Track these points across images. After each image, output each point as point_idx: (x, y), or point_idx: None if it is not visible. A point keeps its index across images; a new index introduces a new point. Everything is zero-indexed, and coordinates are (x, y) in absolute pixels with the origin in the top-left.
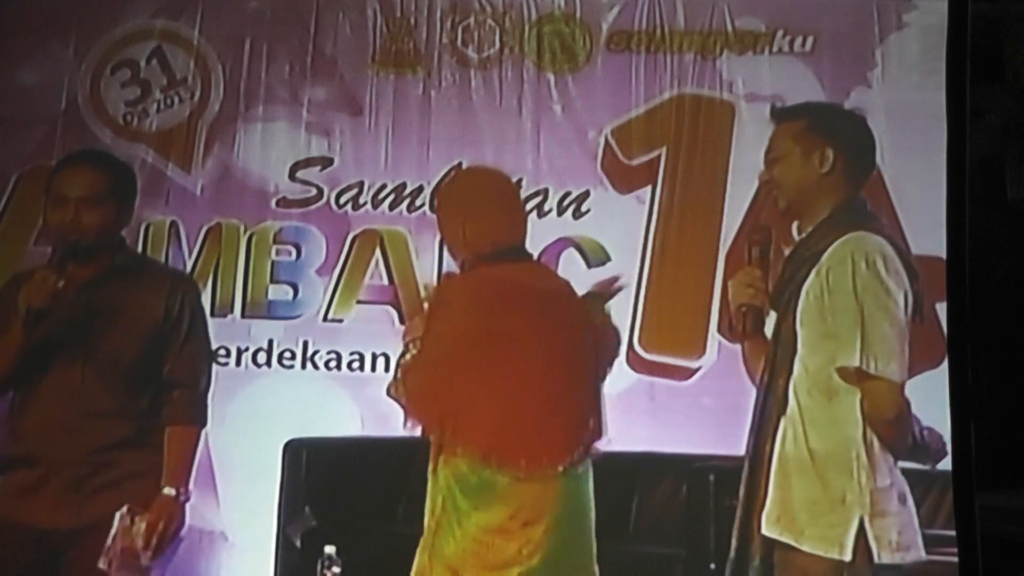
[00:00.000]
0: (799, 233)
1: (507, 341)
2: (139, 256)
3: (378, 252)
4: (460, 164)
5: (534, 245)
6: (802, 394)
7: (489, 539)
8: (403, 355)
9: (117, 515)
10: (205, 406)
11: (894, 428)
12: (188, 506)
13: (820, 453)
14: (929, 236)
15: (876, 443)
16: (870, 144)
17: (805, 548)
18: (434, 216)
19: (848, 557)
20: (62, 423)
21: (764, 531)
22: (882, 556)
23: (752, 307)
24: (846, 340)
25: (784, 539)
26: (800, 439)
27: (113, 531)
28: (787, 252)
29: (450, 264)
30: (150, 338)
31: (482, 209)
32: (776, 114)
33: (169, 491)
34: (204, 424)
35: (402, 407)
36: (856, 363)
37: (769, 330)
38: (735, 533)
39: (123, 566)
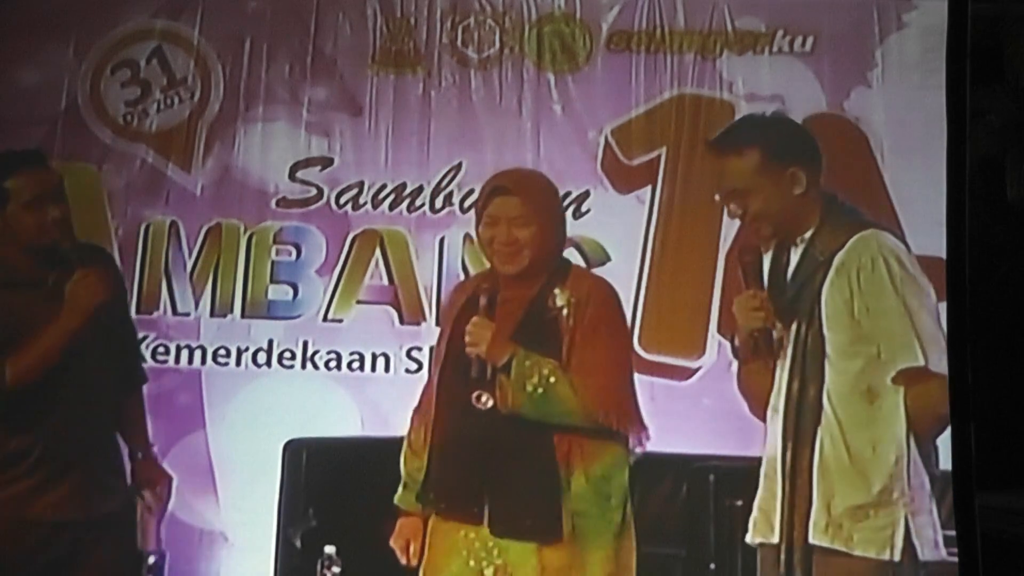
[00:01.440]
0: (790, 242)
1: (629, 339)
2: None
3: (378, 252)
4: (460, 164)
5: None
6: (838, 400)
7: (626, 540)
8: (535, 370)
9: (139, 510)
10: (141, 367)
11: (940, 424)
12: (188, 506)
13: (861, 456)
14: (929, 236)
15: (915, 442)
16: (810, 140)
17: (856, 553)
18: (434, 216)
19: (898, 557)
20: (82, 416)
21: (812, 540)
22: (925, 553)
23: (764, 331)
24: (903, 341)
25: (835, 547)
26: (840, 445)
27: (139, 524)
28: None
29: (452, 265)
30: (122, 319)
31: (556, 216)
32: (714, 145)
33: (142, 456)
34: (145, 380)
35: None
36: (921, 363)
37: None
38: (781, 547)
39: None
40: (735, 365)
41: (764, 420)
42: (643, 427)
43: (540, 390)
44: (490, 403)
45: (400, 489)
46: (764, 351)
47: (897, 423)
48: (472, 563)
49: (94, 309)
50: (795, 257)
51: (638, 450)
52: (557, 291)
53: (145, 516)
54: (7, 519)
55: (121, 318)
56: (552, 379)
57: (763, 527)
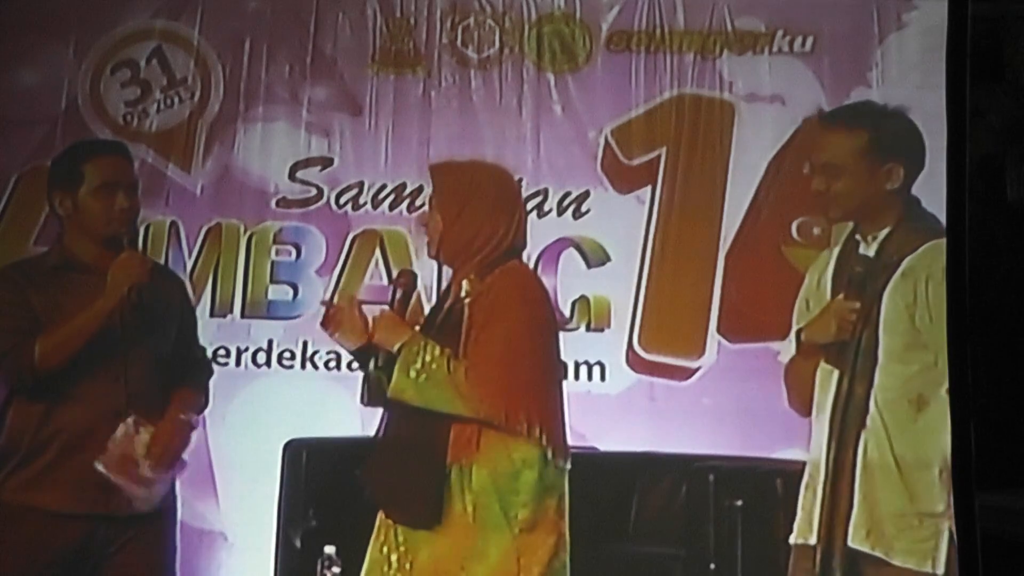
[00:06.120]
0: (861, 239)
1: (550, 332)
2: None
3: (378, 252)
4: None
5: (534, 245)
6: (885, 404)
7: (535, 536)
8: (419, 356)
9: (122, 424)
10: (208, 397)
11: None
12: (188, 506)
13: (907, 464)
14: None
15: None
16: (920, 143)
17: (896, 562)
18: None
19: (941, 570)
20: (114, 409)
21: (852, 544)
22: None
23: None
24: None
25: (876, 553)
26: (885, 449)
27: (116, 435)
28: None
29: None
30: (175, 330)
31: (502, 206)
32: (828, 117)
33: (179, 414)
34: (206, 406)
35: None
36: None
37: None
38: (819, 547)
39: (120, 471)
40: (784, 356)
41: (805, 415)
42: (536, 423)
43: (423, 376)
44: None
45: None
46: (832, 358)
47: (944, 433)
48: (385, 549)
49: (128, 290)
50: (869, 253)
51: (553, 451)
52: (464, 281)
53: (126, 447)
54: (38, 510)
55: (181, 334)
56: (434, 366)
57: (804, 528)
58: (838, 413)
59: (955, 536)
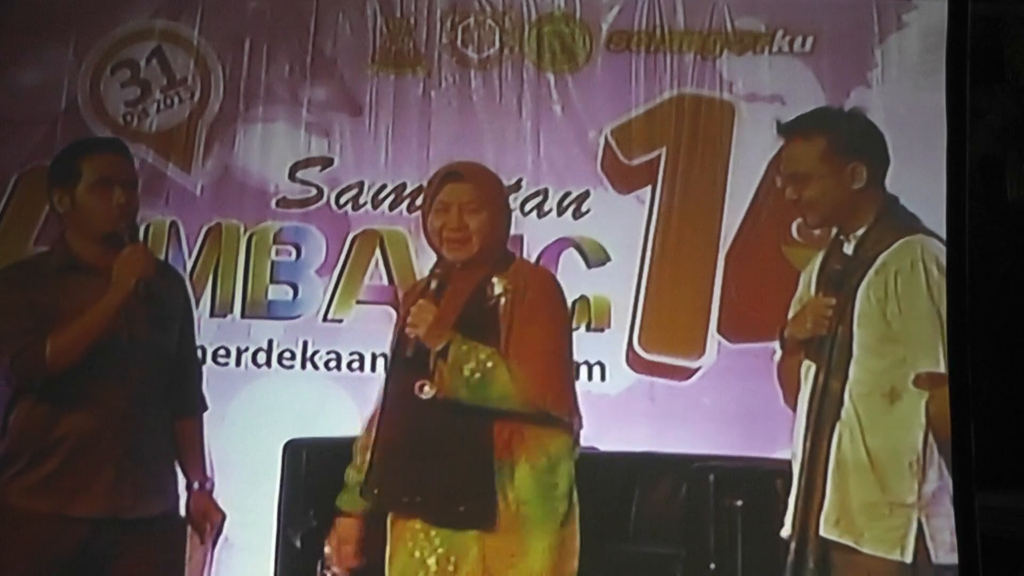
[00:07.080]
0: (844, 238)
1: (571, 330)
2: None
3: (378, 252)
4: None
5: (534, 245)
6: (859, 397)
7: (569, 528)
8: (471, 355)
9: (188, 545)
10: (203, 393)
11: None
12: None
13: (879, 455)
14: None
15: (935, 445)
16: (881, 140)
17: (866, 550)
18: None
19: (909, 559)
20: (120, 411)
21: (823, 533)
22: (939, 556)
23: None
24: (928, 346)
25: (844, 541)
26: (858, 442)
27: (188, 555)
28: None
29: None
30: (178, 328)
31: (505, 207)
32: (784, 129)
33: (198, 487)
34: (206, 408)
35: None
36: (942, 369)
37: None
38: (794, 537)
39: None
40: (777, 355)
41: (795, 411)
42: (579, 414)
43: (477, 375)
44: (431, 393)
45: (341, 491)
46: (811, 353)
47: (916, 425)
48: (417, 554)
49: (135, 283)
50: (849, 252)
51: (580, 439)
52: (495, 280)
53: (196, 551)
54: (43, 513)
55: (183, 333)
56: (490, 364)
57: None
58: (814, 407)
59: (924, 527)
